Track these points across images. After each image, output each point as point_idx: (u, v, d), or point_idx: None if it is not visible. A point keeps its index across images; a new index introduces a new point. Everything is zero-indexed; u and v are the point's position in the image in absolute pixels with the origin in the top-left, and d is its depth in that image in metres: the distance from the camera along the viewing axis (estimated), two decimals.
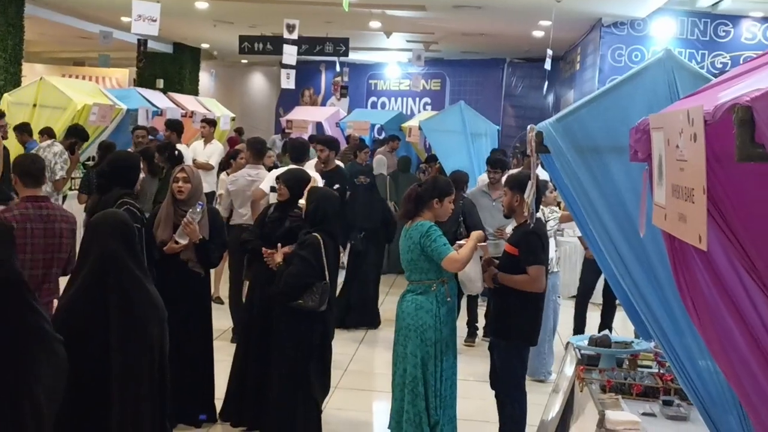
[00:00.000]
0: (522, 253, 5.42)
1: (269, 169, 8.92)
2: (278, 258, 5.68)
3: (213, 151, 12.37)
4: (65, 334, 3.64)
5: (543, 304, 5.63)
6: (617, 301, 8.04)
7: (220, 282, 9.95)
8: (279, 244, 5.81)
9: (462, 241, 5.59)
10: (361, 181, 9.41)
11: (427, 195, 5.45)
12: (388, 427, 5.55)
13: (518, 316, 5.45)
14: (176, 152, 9.31)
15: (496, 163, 9.07)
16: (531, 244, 5.40)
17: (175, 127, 12.12)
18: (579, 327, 8.21)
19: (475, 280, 5.65)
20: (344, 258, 9.21)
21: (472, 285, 5.72)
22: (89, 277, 4.13)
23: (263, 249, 5.92)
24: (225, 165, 10.77)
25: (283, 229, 6.00)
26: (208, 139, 12.72)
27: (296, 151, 8.77)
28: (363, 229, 9.37)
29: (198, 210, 5.84)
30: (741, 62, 2.60)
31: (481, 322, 8.93)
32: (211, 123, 13.34)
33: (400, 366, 5.40)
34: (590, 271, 8.19)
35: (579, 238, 8.51)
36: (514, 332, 5.48)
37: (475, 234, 5.47)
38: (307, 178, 6.45)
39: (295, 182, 6.27)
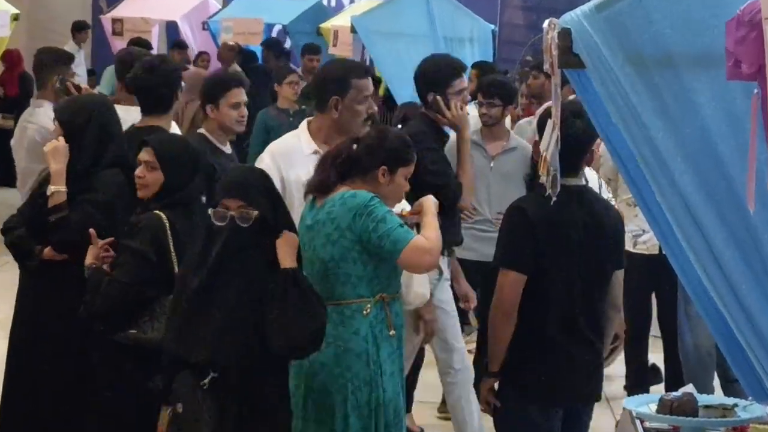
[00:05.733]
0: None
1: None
2: (90, 257, 4.49)
3: None
4: None
5: (552, 337, 4.53)
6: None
7: None
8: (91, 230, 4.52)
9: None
10: None
11: (367, 158, 4.40)
12: None
13: (515, 359, 4.59)
14: None
15: (492, 87, 6.82)
16: (504, 229, 4.63)
17: None
18: (637, 378, 6.76)
19: (418, 284, 4.75)
20: None
21: (410, 291, 4.80)
22: None
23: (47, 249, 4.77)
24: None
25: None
26: None
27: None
28: None
29: None
30: None
31: None
32: None
33: None
34: (642, 278, 6.56)
35: None
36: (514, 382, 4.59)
37: (428, 202, 4.47)
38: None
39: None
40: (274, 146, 5.14)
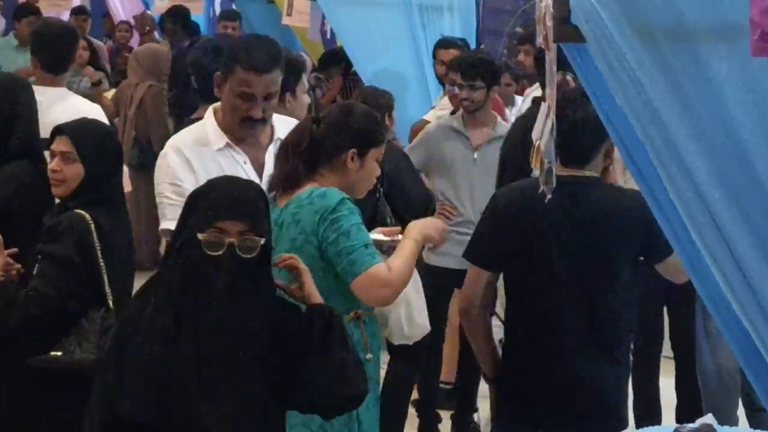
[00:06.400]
0: None
1: None
2: None
3: None
4: None
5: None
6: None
7: None
8: None
9: (377, 235, 4.11)
10: None
11: (333, 141, 4.00)
12: None
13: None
14: None
15: (472, 67, 6.25)
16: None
17: None
18: (647, 407, 6.32)
19: (419, 314, 4.36)
20: None
21: (412, 323, 4.45)
22: None
23: None
24: None
25: None
26: None
27: (50, 54, 5.84)
28: None
29: None
30: None
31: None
32: None
33: None
34: (652, 290, 6.01)
35: None
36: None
37: (416, 227, 4.09)
38: None
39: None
40: (178, 139, 4.39)
